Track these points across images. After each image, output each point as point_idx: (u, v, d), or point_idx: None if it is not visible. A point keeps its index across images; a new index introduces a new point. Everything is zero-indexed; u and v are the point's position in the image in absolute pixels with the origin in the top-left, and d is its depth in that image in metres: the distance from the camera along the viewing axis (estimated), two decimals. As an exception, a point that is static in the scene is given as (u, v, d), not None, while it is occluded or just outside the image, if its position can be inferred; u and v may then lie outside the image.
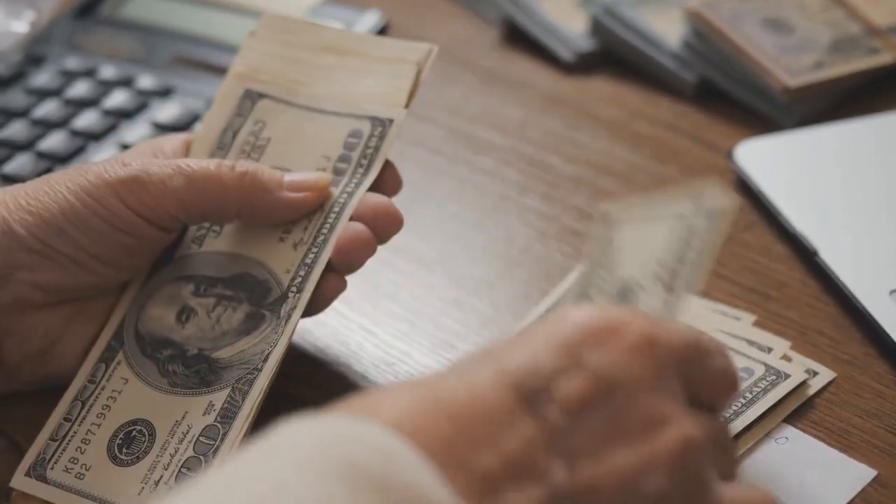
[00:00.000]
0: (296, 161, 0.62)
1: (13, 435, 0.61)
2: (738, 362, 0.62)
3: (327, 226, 0.61)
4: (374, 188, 0.62)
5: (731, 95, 0.85)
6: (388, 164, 0.62)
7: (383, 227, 0.61)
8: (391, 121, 0.62)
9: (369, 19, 0.89)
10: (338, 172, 0.62)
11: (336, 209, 0.61)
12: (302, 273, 0.60)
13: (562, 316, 0.46)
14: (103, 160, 0.61)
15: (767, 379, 0.61)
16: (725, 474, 0.47)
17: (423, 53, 0.64)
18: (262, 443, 0.42)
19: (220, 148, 0.64)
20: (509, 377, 0.44)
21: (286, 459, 0.40)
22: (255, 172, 0.60)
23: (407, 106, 0.63)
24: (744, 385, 0.60)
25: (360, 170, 0.62)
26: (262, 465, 0.41)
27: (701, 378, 0.47)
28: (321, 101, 0.64)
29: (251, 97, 0.64)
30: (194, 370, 0.59)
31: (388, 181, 0.62)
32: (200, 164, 0.59)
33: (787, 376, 0.61)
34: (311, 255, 0.60)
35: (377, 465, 0.40)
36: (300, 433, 0.42)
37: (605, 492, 0.43)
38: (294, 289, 0.60)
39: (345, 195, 0.61)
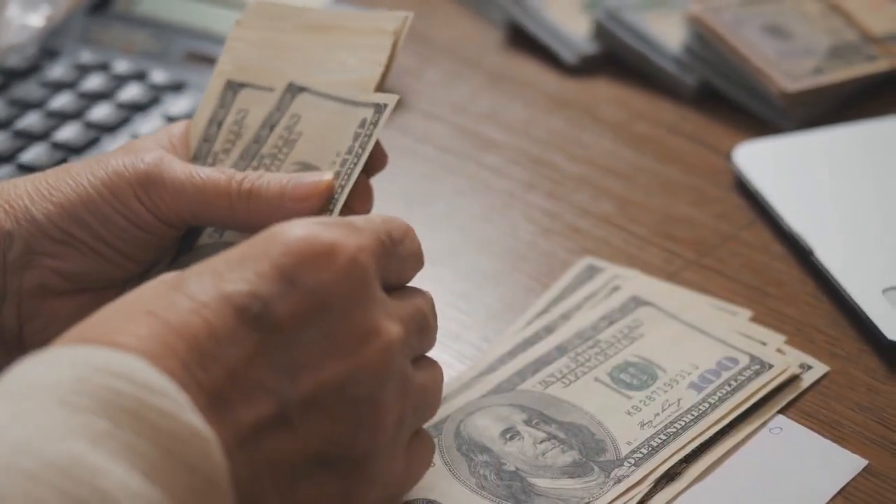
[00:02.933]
0: (316, 158, 0.63)
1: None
2: (729, 354, 0.64)
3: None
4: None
5: (732, 99, 0.87)
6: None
7: (363, 206, 0.62)
8: (386, 105, 0.62)
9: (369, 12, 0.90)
10: (342, 164, 0.62)
11: (335, 198, 0.61)
12: None
13: (278, 235, 0.51)
14: (121, 150, 0.62)
15: (752, 368, 0.63)
16: (426, 348, 0.55)
17: (399, 22, 0.64)
18: (4, 380, 0.45)
19: (206, 140, 0.64)
20: (232, 299, 0.48)
21: (48, 399, 0.43)
22: (259, 189, 0.60)
23: (384, 77, 0.63)
24: (729, 373, 0.63)
25: (355, 158, 0.62)
26: (14, 403, 0.43)
27: (395, 265, 0.54)
28: (330, 88, 0.64)
29: (232, 88, 0.65)
30: (506, 483, 0.59)
31: (374, 155, 0.63)
32: (212, 175, 0.60)
33: (771, 366, 0.63)
34: None
35: (131, 395, 0.44)
36: (49, 367, 0.45)
37: (324, 399, 0.49)
38: None
39: (339, 189, 0.61)
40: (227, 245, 0.61)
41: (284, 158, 0.63)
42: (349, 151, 0.61)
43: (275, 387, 0.48)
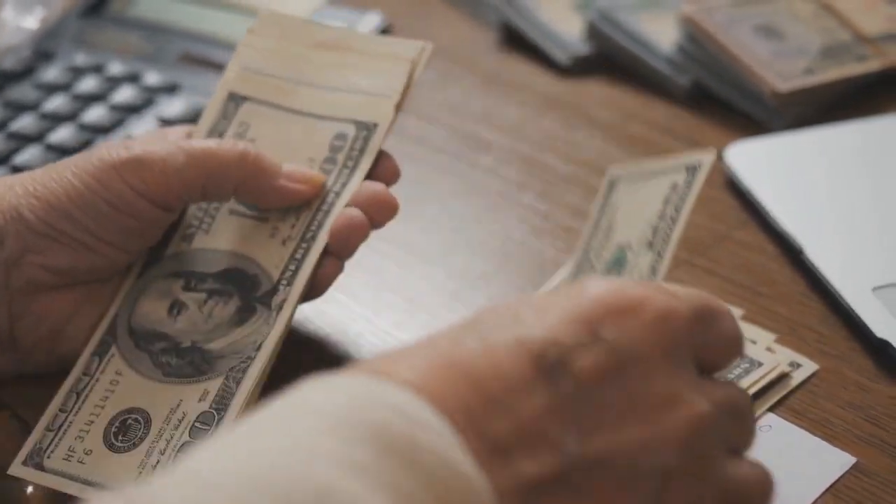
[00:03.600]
0: (282, 161, 0.64)
1: (26, 417, 0.63)
2: None
3: (316, 223, 0.62)
4: (371, 178, 0.64)
5: (724, 99, 0.87)
6: (385, 156, 0.64)
7: (377, 211, 0.63)
8: (376, 125, 0.64)
9: (371, 21, 0.91)
10: (324, 174, 0.63)
11: (325, 207, 0.63)
12: (292, 268, 0.61)
13: (582, 288, 0.47)
14: (107, 144, 0.63)
15: (741, 366, 0.63)
16: (740, 444, 0.49)
17: (416, 51, 0.65)
18: (284, 401, 0.43)
19: None
20: (529, 346, 0.45)
21: (311, 419, 0.41)
22: (257, 153, 0.62)
23: (400, 103, 0.65)
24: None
25: (346, 170, 0.63)
26: (284, 423, 0.42)
27: (709, 342, 0.49)
28: (308, 105, 0.65)
29: (235, 100, 0.66)
30: (188, 360, 0.60)
31: (385, 171, 0.64)
32: (201, 141, 0.62)
33: (761, 364, 0.63)
34: (301, 251, 0.62)
35: (401, 430, 0.41)
36: (324, 393, 0.43)
37: (613, 465, 0.45)
38: (284, 282, 0.61)
39: (332, 195, 0.63)
40: (198, 252, 0.63)
41: None
42: (329, 161, 0.64)
43: (563, 445, 0.44)
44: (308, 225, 0.62)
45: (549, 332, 0.45)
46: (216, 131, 0.65)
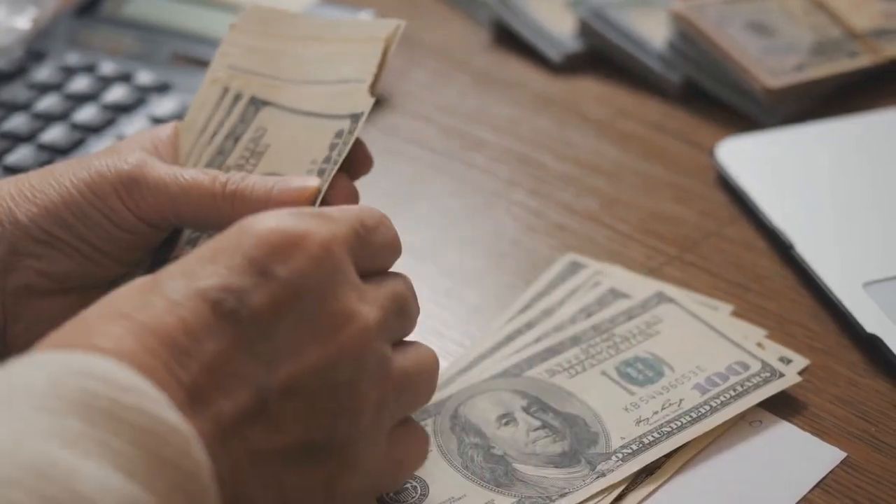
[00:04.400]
0: (288, 168, 0.63)
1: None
2: (741, 359, 0.64)
3: None
4: (343, 168, 0.62)
5: (715, 96, 0.88)
6: (358, 143, 0.63)
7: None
8: (362, 113, 0.62)
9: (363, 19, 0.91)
10: (319, 173, 0.63)
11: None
12: (634, 446, 0.60)
13: (246, 228, 0.51)
14: (104, 152, 0.62)
15: (762, 375, 0.63)
16: (406, 331, 0.55)
17: (390, 29, 0.64)
18: None
19: (220, 153, 0.64)
20: (205, 296, 0.49)
21: (18, 398, 0.44)
22: (244, 191, 0.60)
23: (375, 84, 0.63)
24: (737, 378, 0.63)
25: (334, 166, 0.62)
26: (2, 413, 0.43)
27: (371, 253, 0.54)
28: (304, 101, 0.64)
29: (228, 96, 0.65)
30: (490, 466, 0.60)
31: (358, 159, 0.63)
32: (196, 176, 0.61)
33: (783, 375, 0.63)
34: None
35: (106, 395, 0.44)
36: (29, 371, 0.45)
37: (304, 386, 0.49)
38: (619, 455, 0.60)
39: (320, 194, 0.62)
40: (555, 387, 0.63)
41: (252, 169, 0.63)
42: (326, 160, 0.62)
43: (253, 378, 0.48)
44: None
45: (223, 279, 0.49)
46: (209, 129, 0.65)
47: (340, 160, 0.61)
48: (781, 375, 0.63)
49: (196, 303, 0.49)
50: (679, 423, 0.60)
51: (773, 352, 0.65)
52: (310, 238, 0.51)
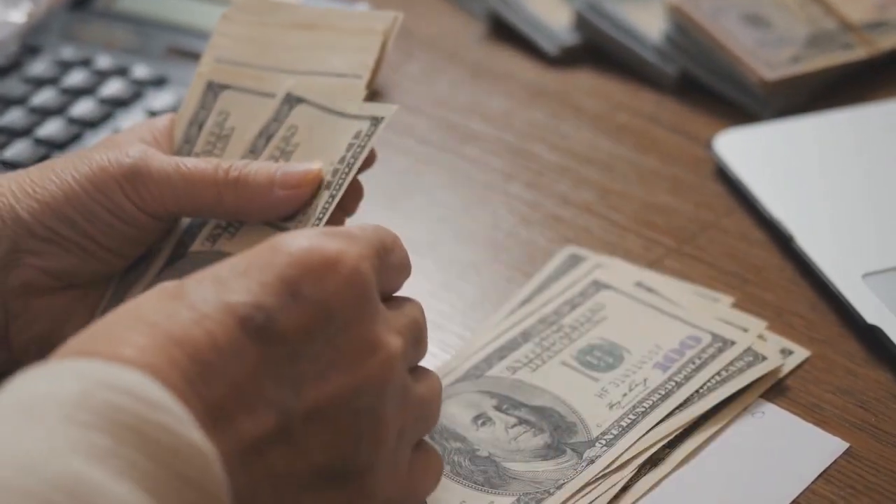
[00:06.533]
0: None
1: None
2: (691, 333, 0.65)
3: (316, 223, 0.61)
4: None
5: (711, 88, 0.88)
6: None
7: (350, 200, 0.63)
8: (382, 118, 0.61)
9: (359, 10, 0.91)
10: (332, 174, 0.61)
11: (326, 206, 0.61)
12: (614, 431, 0.61)
13: (280, 247, 0.50)
14: (103, 145, 0.62)
15: (714, 346, 0.64)
16: (420, 358, 0.55)
17: (388, 22, 0.64)
18: (9, 394, 0.44)
19: (187, 141, 0.64)
20: (235, 311, 0.48)
21: (51, 415, 0.42)
22: (247, 177, 0.60)
23: (372, 77, 0.63)
24: (692, 352, 0.64)
25: (347, 168, 0.61)
26: (30, 424, 0.42)
27: (388, 274, 0.54)
28: (301, 91, 0.64)
29: (214, 89, 0.65)
30: (481, 469, 0.60)
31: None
32: (198, 165, 0.61)
33: (734, 343, 0.64)
34: None
35: (134, 412, 0.43)
36: (53, 381, 0.44)
37: (328, 412, 0.49)
38: (603, 441, 0.60)
39: (330, 198, 0.61)
40: (220, 254, 0.61)
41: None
42: (341, 161, 0.61)
43: (278, 401, 0.48)
44: (320, 221, 0.61)
45: (254, 296, 0.48)
46: (195, 123, 0.64)
47: (357, 164, 0.60)
48: (733, 343, 0.64)
49: (224, 316, 0.47)
50: (651, 402, 0.61)
51: (774, 343, 0.65)
52: (342, 261, 0.50)
